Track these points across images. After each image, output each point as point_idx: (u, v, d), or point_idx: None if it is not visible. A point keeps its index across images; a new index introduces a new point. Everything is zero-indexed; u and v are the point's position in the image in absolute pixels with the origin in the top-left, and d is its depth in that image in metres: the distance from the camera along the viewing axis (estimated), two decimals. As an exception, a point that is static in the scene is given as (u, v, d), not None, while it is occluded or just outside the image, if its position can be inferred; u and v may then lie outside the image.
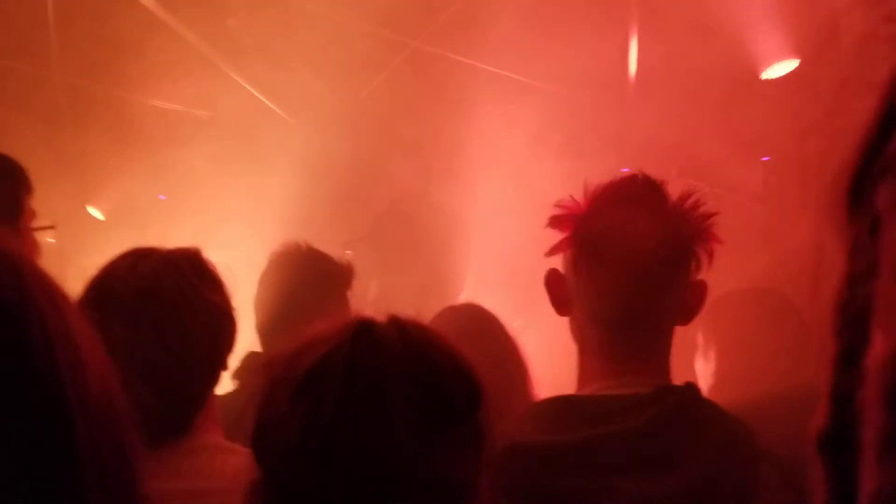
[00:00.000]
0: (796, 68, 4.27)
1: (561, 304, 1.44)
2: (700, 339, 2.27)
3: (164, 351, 1.36)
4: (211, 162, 6.31)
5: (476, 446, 0.99)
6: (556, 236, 1.45)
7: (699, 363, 2.27)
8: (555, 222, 1.42)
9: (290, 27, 4.82)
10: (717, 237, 1.41)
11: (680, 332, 1.41)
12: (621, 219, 1.38)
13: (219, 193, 6.51)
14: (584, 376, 1.42)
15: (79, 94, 5.19)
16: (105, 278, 1.43)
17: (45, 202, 1.87)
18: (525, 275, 5.86)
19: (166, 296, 1.40)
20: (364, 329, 0.98)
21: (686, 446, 1.24)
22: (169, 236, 5.30)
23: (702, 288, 1.42)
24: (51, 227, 1.80)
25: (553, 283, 1.45)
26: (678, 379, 1.36)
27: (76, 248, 4.31)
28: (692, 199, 1.41)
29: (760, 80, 4.49)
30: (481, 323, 2.20)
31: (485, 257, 5.14)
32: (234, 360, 2.06)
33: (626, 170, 4.89)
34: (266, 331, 2.38)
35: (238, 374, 2.19)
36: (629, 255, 1.35)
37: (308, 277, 2.47)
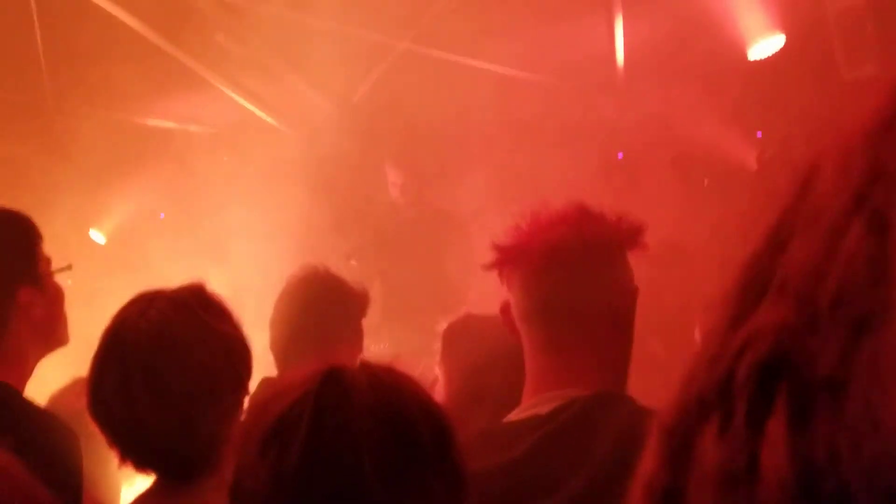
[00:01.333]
0: (783, 46, 4.28)
1: (512, 328, 1.49)
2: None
3: (186, 392, 1.40)
4: (209, 177, 6.34)
5: (451, 489, 0.98)
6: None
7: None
8: (498, 250, 1.48)
9: (276, 37, 4.85)
10: (644, 244, 1.45)
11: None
12: (543, 233, 1.43)
13: (218, 209, 6.54)
14: (524, 393, 1.43)
15: (73, 119, 5.22)
16: (118, 330, 1.47)
17: (47, 230, 1.89)
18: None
19: (180, 337, 1.43)
20: (333, 375, 0.96)
21: (572, 464, 1.20)
22: (171, 255, 5.36)
23: (633, 293, 1.44)
24: (67, 269, 1.84)
25: (504, 314, 1.50)
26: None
27: (82, 273, 4.35)
28: (621, 216, 1.47)
29: (748, 59, 4.50)
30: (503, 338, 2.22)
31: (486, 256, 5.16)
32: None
33: (620, 155, 4.91)
34: (281, 354, 2.42)
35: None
36: (546, 255, 1.40)
37: (323, 304, 2.52)
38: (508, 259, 1.45)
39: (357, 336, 2.61)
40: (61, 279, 1.82)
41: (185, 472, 1.45)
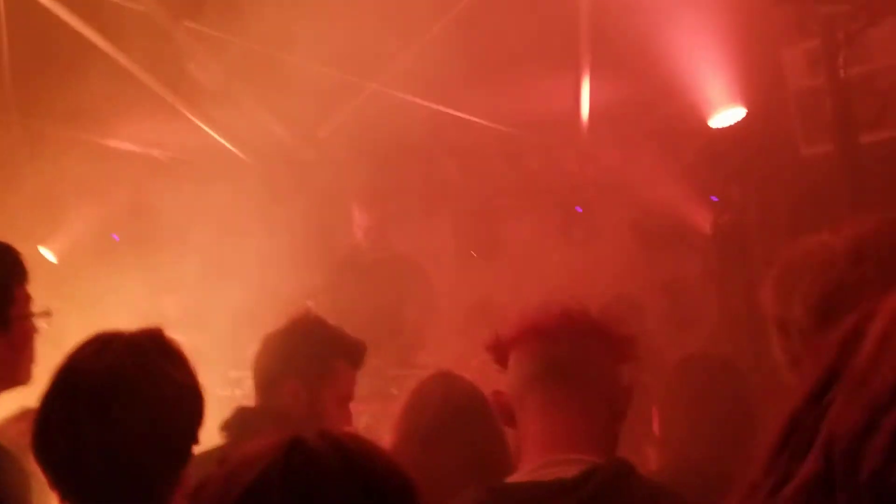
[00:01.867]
0: (744, 118, 4.40)
1: (504, 415, 1.53)
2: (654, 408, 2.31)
3: (135, 438, 1.38)
4: (167, 203, 6.28)
5: None
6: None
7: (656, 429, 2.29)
8: (497, 341, 1.53)
9: (248, 70, 4.85)
10: (636, 356, 1.52)
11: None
12: (545, 321, 1.51)
13: (176, 234, 6.47)
14: (523, 457, 1.47)
15: (34, 135, 5.15)
16: (71, 370, 1.44)
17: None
18: (481, 313, 5.93)
19: (134, 382, 1.41)
20: (296, 444, 0.97)
21: None
22: (120, 278, 5.27)
23: (629, 393, 1.50)
24: (46, 315, 1.78)
25: (496, 399, 1.56)
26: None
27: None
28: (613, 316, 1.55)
29: (709, 126, 4.63)
30: (470, 399, 2.22)
31: (443, 300, 5.17)
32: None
33: (579, 209, 4.97)
34: (264, 389, 2.41)
35: (226, 427, 2.23)
36: (552, 333, 1.48)
37: (314, 348, 2.48)
38: (510, 343, 1.52)
39: (349, 385, 2.57)
40: (38, 323, 1.76)
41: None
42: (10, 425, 2.11)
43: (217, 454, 1.52)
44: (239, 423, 2.25)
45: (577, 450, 1.39)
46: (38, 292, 1.81)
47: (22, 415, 2.13)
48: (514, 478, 1.42)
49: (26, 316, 1.72)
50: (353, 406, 3.81)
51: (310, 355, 2.43)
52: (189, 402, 1.50)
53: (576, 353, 1.47)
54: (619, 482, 1.32)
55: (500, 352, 1.54)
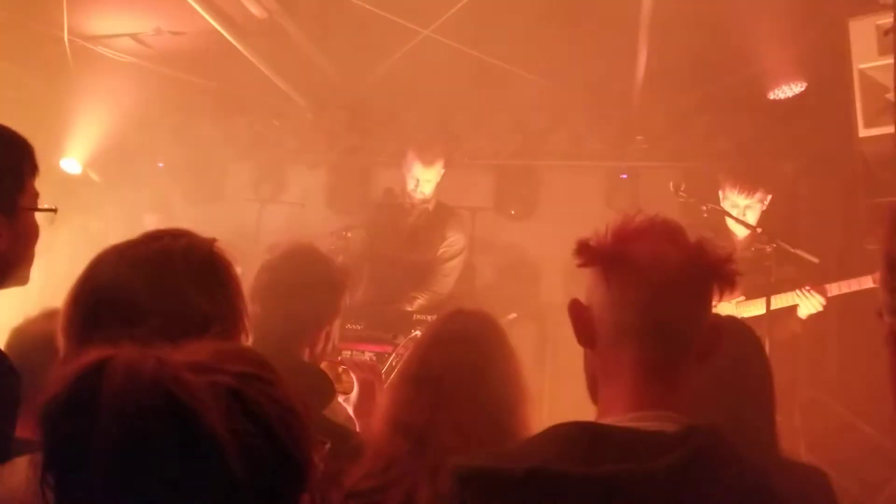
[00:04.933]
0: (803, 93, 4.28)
1: (584, 333, 1.43)
2: None
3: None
4: (212, 132, 6.33)
5: (204, 485, 0.90)
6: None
7: None
8: (583, 256, 1.43)
9: (303, 7, 4.82)
10: (737, 272, 1.43)
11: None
12: (648, 242, 1.40)
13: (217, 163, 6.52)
14: (605, 405, 1.41)
15: (80, 52, 5.17)
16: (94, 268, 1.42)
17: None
18: (519, 267, 5.90)
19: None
20: (94, 368, 0.92)
21: (704, 492, 1.24)
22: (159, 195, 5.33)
23: (719, 331, 1.43)
24: (52, 210, 1.74)
25: (577, 313, 1.45)
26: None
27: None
28: (711, 242, 1.44)
29: (768, 98, 4.51)
30: (490, 332, 2.21)
31: (478, 246, 5.13)
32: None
33: (624, 176, 4.89)
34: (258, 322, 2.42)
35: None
36: (656, 268, 1.37)
37: (305, 280, 2.51)
38: (609, 260, 1.40)
39: (333, 313, 2.60)
40: (42, 219, 1.72)
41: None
42: (37, 324, 2.12)
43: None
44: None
45: (670, 408, 1.35)
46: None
47: (47, 315, 2.15)
48: (606, 420, 1.38)
49: (34, 209, 1.68)
50: (379, 348, 3.83)
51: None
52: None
53: (681, 305, 1.38)
54: (720, 447, 1.30)
55: (589, 258, 1.42)
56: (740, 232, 4.22)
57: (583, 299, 1.46)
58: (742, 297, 4.27)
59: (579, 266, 1.43)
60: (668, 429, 1.31)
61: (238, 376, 0.93)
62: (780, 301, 4.00)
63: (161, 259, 1.41)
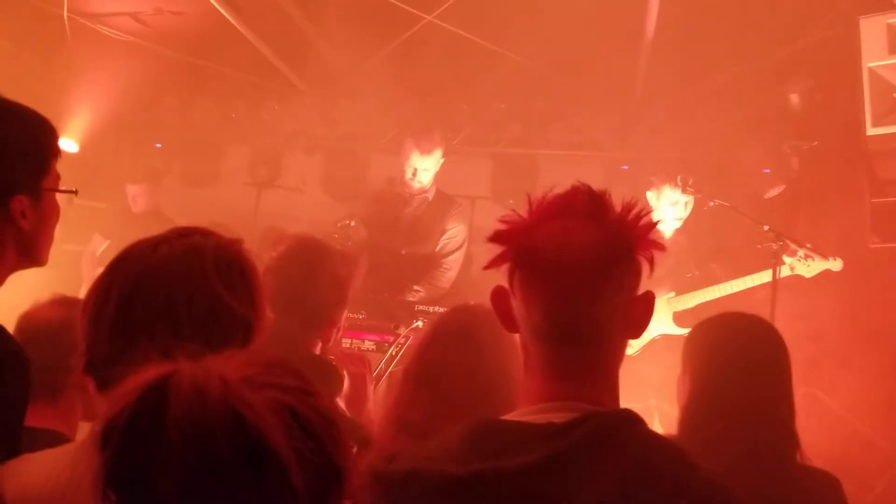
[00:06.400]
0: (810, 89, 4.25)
1: (507, 320, 1.36)
2: (681, 361, 2.17)
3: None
4: (211, 121, 6.28)
5: (267, 499, 0.94)
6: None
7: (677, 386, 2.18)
8: (496, 237, 1.35)
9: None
10: (659, 245, 1.32)
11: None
12: (557, 230, 1.30)
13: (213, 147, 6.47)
14: (521, 396, 1.35)
15: (80, 28, 5.10)
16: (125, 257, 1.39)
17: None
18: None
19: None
20: (158, 384, 0.94)
21: (581, 483, 1.16)
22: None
23: (648, 299, 1.34)
24: (73, 192, 1.75)
25: (498, 300, 1.37)
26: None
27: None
28: (635, 210, 1.32)
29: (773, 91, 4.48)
30: (487, 326, 2.19)
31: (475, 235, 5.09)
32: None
33: (625, 167, 4.86)
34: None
35: None
36: (562, 265, 1.28)
37: (312, 280, 2.52)
38: (516, 254, 1.32)
39: (342, 306, 2.59)
40: (62, 200, 1.73)
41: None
42: (47, 310, 2.10)
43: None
44: None
45: (584, 400, 1.28)
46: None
47: (58, 302, 2.12)
48: (508, 416, 1.32)
49: (56, 190, 1.69)
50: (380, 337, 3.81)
51: None
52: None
53: (591, 302, 1.28)
54: (615, 433, 1.21)
55: (501, 253, 1.33)
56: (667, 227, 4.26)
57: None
58: (672, 293, 4.29)
59: (489, 265, 1.35)
60: (558, 420, 1.24)
61: (291, 392, 0.96)
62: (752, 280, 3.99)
63: (192, 257, 1.39)
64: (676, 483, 1.18)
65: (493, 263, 1.35)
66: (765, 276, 3.92)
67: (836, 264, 3.87)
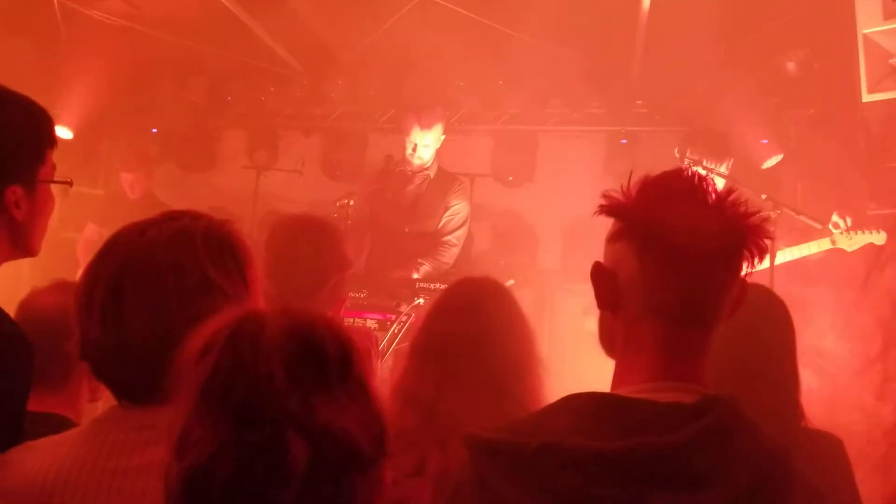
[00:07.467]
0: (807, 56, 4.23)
1: (607, 298, 1.38)
2: None
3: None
4: (209, 102, 6.25)
5: (356, 398, 1.12)
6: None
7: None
8: (608, 210, 1.37)
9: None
10: (769, 233, 1.39)
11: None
12: (681, 212, 1.34)
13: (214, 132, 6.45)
14: (623, 374, 1.37)
15: (75, 15, 5.07)
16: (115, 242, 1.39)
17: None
18: (517, 233, 5.88)
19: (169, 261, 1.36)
20: (251, 313, 1.11)
21: (722, 465, 1.22)
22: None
23: (744, 286, 1.38)
24: (68, 183, 1.75)
25: (600, 278, 1.40)
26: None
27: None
28: (735, 195, 1.39)
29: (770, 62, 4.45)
30: (493, 298, 2.20)
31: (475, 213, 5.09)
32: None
33: (623, 141, 4.84)
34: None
35: None
36: (694, 247, 1.32)
37: (310, 250, 2.53)
38: (644, 237, 1.34)
39: (341, 265, 2.61)
40: (56, 191, 1.72)
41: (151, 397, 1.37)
42: (47, 295, 2.10)
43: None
44: None
45: (689, 380, 1.33)
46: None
47: (58, 286, 2.12)
48: (621, 390, 1.34)
49: (52, 181, 1.69)
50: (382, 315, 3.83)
51: None
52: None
53: (717, 284, 1.33)
54: (735, 417, 1.28)
55: (620, 230, 1.37)
56: None
57: (604, 262, 1.41)
58: None
59: (612, 237, 1.38)
60: (686, 400, 1.28)
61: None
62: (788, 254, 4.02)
63: (181, 239, 1.40)
64: (791, 474, 1.27)
65: (613, 236, 1.38)
66: (802, 250, 3.97)
67: (879, 237, 3.89)
